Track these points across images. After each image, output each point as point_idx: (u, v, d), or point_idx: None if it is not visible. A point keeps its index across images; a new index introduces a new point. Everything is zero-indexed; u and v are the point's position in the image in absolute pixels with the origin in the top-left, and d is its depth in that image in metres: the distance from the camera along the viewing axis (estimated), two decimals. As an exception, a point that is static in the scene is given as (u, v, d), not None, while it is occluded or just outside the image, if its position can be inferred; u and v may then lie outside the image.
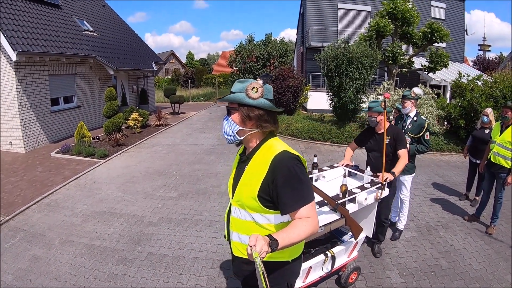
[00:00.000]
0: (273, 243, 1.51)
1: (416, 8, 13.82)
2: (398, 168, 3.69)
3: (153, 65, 18.60)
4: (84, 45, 12.64)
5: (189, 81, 32.34)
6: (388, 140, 3.85)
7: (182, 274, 3.85)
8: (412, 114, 4.62)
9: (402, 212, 4.74)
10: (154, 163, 8.48)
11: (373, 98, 11.56)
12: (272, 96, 1.89)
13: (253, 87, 1.80)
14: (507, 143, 4.75)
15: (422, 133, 4.45)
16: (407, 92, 4.68)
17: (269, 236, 1.55)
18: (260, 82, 1.85)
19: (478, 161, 5.91)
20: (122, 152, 9.52)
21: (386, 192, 3.53)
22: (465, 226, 5.23)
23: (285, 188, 1.72)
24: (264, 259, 1.45)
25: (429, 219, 5.46)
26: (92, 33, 14.37)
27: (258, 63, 14.76)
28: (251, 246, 1.44)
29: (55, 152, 9.23)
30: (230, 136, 1.88)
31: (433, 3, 22.40)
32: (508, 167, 4.75)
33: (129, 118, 12.29)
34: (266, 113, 1.85)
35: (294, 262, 1.96)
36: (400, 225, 4.79)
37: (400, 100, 4.84)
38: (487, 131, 5.69)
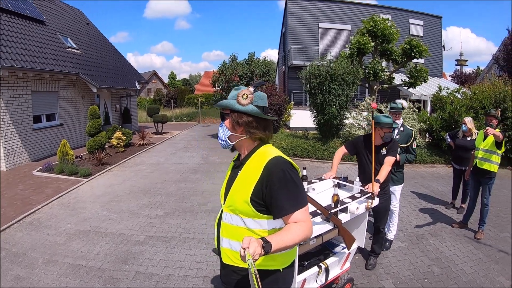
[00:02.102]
0: (266, 246, 1.50)
1: (395, 25, 14.39)
2: (382, 174, 3.74)
3: (136, 84, 18.57)
4: (67, 62, 12.53)
5: (171, 101, 32.32)
6: (385, 151, 3.96)
7: (172, 292, 3.75)
8: (399, 125, 4.74)
9: (391, 223, 4.82)
10: (139, 182, 8.35)
11: (355, 114, 11.83)
12: (264, 103, 1.91)
13: (243, 94, 1.84)
14: (491, 145, 5.00)
15: (410, 142, 4.60)
16: (394, 105, 4.84)
17: (263, 238, 1.54)
18: (251, 89, 1.88)
19: (462, 168, 6.17)
20: (105, 171, 9.35)
21: (376, 201, 3.59)
22: (454, 233, 5.39)
23: (280, 191, 1.72)
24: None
25: (418, 228, 5.59)
26: (76, 51, 14.28)
27: (241, 82, 14.87)
28: (244, 249, 1.42)
29: (37, 171, 8.99)
30: (223, 141, 1.93)
31: (411, 20, 23.32)
32: (494, 171, 5.02)
33: (112, 137, 12.15)
34: (255, 120, 1.86)
35: (285, 271, 1.93)
36: (390, 235, 4.86)
37: (389, 112, 4.95)
38: (468, 138, 6.01)
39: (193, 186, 8.01)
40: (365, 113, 11.71)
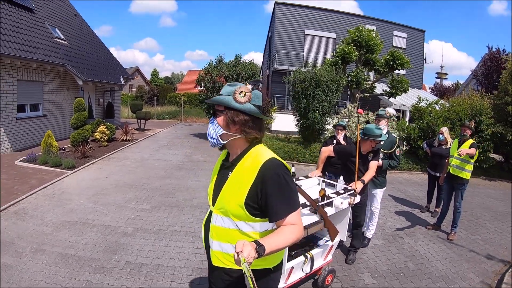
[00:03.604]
0: (260, 249, 1.50)
1: (379, 36, 14.81)
2: (367, 177, 4.10)
3: (121, 79, 18.42)
4: (54, 52, 12.37)
5: (154, 98, 32.09)
6: (371, 157, 4.24)
7: (163, 281, 3.85)
8: (384, 132, 4.99)
9: (371, 223, 5.12)
10: (124, 177, 8.36)
11: (337, 120, 12.14)
12: (260, 103, 1.86)
13: (241, 91, 1.77)
14: (464, 155, 5.35)
15: (393, 149, 4.85)
16: (382, 112, 5.10)
17: (256, 241, 1.53)
18: (249, 87, 1.82)
19: (437, 174, 6.59)
20: (89, 164, 9.29)
21: (358, 198, 3.88)
22: (428, 234, 5.82)
23: (276, 196, 1.70)
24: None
25: (394, 228, 5.98)
26: (63, 42, 14.09)
27: (227, 83, 14.98)
28: (237, 252, 1.42)
29: (20, 161, 8.85)
30: (214, 139, 1.85)
31: (395, 32, 24.01)
32: (466, 178, 5.44)
33: (96, 131, 12.03)
34: (252, 119, 1.80)
35: (275, 269, 1.92)
36: (369, 234, 5.16)
37: (374, 119, 5.22)
38: (444, 147, 6.46)
39: (178, 183, 8.09)
40: (346, 120, 12.05)
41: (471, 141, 5.55)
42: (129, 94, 40.04)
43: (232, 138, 1.83)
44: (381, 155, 4.83)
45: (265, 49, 30.54)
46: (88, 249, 4.54)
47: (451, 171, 5.64)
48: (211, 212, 1.92)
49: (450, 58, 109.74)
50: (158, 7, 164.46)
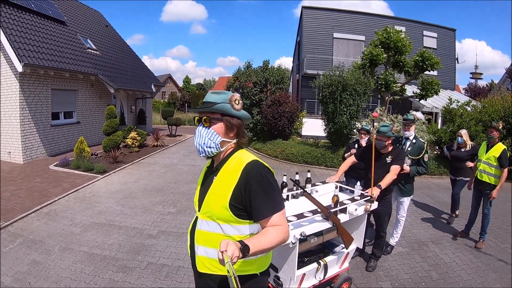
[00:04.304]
0: (244, 249, 1.49)
1: (408, 37, 14.43)
2: (385, 181, 3.82)
3: (152, 86, 18.92)
4: (87, 62, 12.94)
5: (186, 104, 32.72)
6: (390, 159, 4.04)
7: (182, 282, 3.92)
8: (411, 137, 4.83)
9: (396, 230, 4.93)
10: (152, 181, 8.57)
11: (365, 124, 11.91)
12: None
13: (235, 99, 1.85)
14: (491, 158, 5.11)
15: (421, 155, 4.64)
16: (410, 116, 4.88)
17: (240, 241, 1.53)
18: (238, 94, 1.90)
19: (457, 178, 6.30)
20: (120, 169, 9.60)
21: (375, 205, 3.70)
22: (455, 242, 5.50)
23: (259, 194, 1.72)
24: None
25: (420, 236, 5.71)
26: (95, 52, 14.72)
27: (255, 89, 15.08)
28: (222, 252, 1.41)
29: (54, 165, 9.30)
30: (211, 148, 1.84)
31: (425, 32, 23.34)
32: (492, 183, 5.09)
33: (127, 137, 12.44)
34: (242, 125, 1.91)
35: (261, 275, 1.92)
36: (393, 241, 4.96)
37: (402, 123, 5.04)
38: (463, 149, 6.19)
39: (204, 187, 8.17)
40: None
41: (501, 145, 5.19)
42: (162, 101, 41.09)
43: (229, 144, 1.89)
44: (408, 161, 4.67)
45: (294, 53, 30.50)
46: (114, 249, 4.70)
47: (478, 176, 5.33)
48: (196, 218, 1.94)
49: (485, 57, 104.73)
50: (188, 15, 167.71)
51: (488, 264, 4.70)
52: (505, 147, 5.16)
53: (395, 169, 3.97)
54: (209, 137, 1.84)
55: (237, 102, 1.85)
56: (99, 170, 8.88)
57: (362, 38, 22.31)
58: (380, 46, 13.93)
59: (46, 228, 5.37)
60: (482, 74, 36.24)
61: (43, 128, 10.76)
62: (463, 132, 6.25)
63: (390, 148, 4.14)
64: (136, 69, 18.72)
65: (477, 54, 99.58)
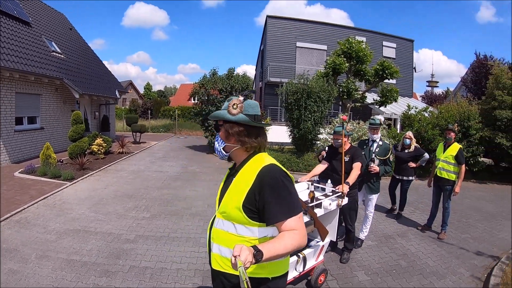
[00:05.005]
0: (257, 254, 1.49)
1: (369, 47, 15.20)
2: (351, 178, 4.29)
3: (116, 92, 18.60)
4: (51, 66, 12.57)
5: (149, 111, 32.27)
6: (348, 158, 4.46)
7: (167, 283, 4.00)
8: (377, 139, 5.26)
9: (365, 225, 5.34)
10: (122, 187, 8.49)
11: (329, 130, 12.43)
12: (255, 112, 1.91)
13: (233, 104, 1.86)
14: (449, 157, 5.76)
15: (388, 156, 5.10)
16: (375, 120, 5.34)
17: (254, 247, 1.52)
18: (241, 98, 1.90)
19: (400, 177, 6.90)
20: (88, 176, 9.41)
21: (345, 200, 4.12)
22: (419, 234, 6.09)
23: (273, 198, 1.72)
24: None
25: (386, 230, 6.24)
26: (59, 55, 14.31)
27: (221, 96, 15.24)
28: (235, 256, 1.42)
29: (19, 172, 8.97)
30: (219, 152, 1.98)
31: (384, 43, 24.53)
32: (452, 179, 5.73)
33: (93, 144, 12.17)
34: (246, 129, 1.87)
35: (275, 280, 1.89)
36: (362, 236, 5.37)
37: (369, 128, 5.47)
38: (406, 151, 6.80)
39: (176, 192, 8.23)
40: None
41: (456, 145, 5.84)
42: (123, 107, 40.21)
43: (233, 149, 1.93)
44: (376, 161, 5.14)
45: (257, 62, 30.98)
46: (93, 255, 4.67)
47: (437, 174, 5.95)
48: (214, 217, 1.99)
49: (440, 66, 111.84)
50: (150, 20, 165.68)
51: (451, 252, 5.28)
52: (460, 146, 5.85)
53: (358, 166, 4.42)
54: (217, 142, 1.98)
55: (234, 106, 1.86)
56: (66, 177, 8.67)
57: (324, 47, 23.12)
58: (342, 56, 14.59)
59: (19, 236, 5.22)
60: (438, 82, 38.50)
61: (7, 133, 10.33)
62: (410, 134, 6.88)
63: (347, 146, 4.54)
64: (100, 74, 18.35)
65: (433, 63, 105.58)
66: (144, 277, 4.12)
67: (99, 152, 12.18)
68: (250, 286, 1.34)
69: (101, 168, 10.53)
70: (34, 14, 14.84)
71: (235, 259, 1.42)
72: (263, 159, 1.87)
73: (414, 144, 6.86)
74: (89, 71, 16.66)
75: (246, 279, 1.35)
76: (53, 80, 12.34)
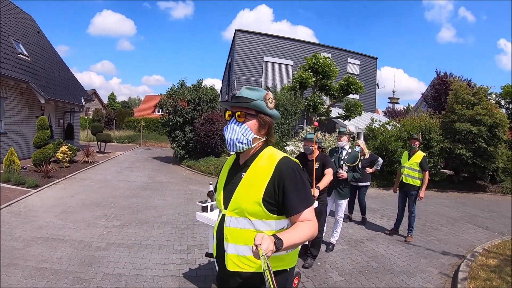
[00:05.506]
0: (278, 242, 1.49)
1: (334, 63, 15.75)
2: (323, 183, 4.51)
3: (82, 100, 18.14)
4: (18, 68, 12.17)
5: (113, 122, 31.62)
6: (318, 165, 4.67)
7: (144, 289, 3.97)
8: (347, 147, 5.51)
9: (336, 230, 5.54)
10: (90, 196, 8.30)
11: (295, 141, 12.74)
12: None
13: (269, 98, 1.85)
14: (414, 164, 6.13)
15: (356, 163, 5.32)
16: (343, 129, 5.60)
17: (274, 235, 1.53)
18: (271, 93, 1.89)
19: (356, 184, 7.12)
20: (53, 183, 9.12)
21: (316, 204, 4.31)
22: (387, 238, 6.42)
23: (293, 190, 1.73)
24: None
25: (355, 235, 6.52)
26: (26, 58, 13.86)
27: (189, 107, 15.26)
28: (256, 245, 1.41)
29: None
30: (243, 144, 1.81)
31: (349, 59, 25.39)
32: (417, 185, 6.09)
33: (58, 151, 11.78)
34: (273, 124, 1.91)
35: (291, 270, 1.92)
36: (333, 240, 5.56)
37: (337, 136, 5.73)
38: (362, 158, 6.90)
39: (145, 201, 8.15)
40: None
41: (420, 153, 6.24)
42: (86, 117, 39.15)
43: (259, 141, 1.87)
44: (345, 168, 5.36)
45: (224, 75, 31.21)
46: (63, 263, 4.54)
47: (403, 180, 6.29)
48: (223, 217, 1.86)
49: (402, 83, 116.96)
50: (117, 30, 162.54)
51: (419, 253, 5.64)
52: (425, 154, 6.26)
53: (330, 172, 4.65)
54: (243, 133, 1.81)
55: (270, 100, 1.85)
56: (31, 184, 8.35)
57: (291, 62, 23.57)
58: (309, 71, 15.03)
59: (-18, 244, 5.00)
60: (399, 99, 40.26)
61: (-33, 137, 9.79)
62: (360, 142, 7.28)
63: (316, 153, 4.74)
64: (66, 80, 17.87)
65: (395, 80, 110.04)
66: (119, 283, 4.06)
67: (64, 160, 11.80)
68: (272, 275, 1.31)
69: (67, 177, 10.23)
70: (3, 14, 14.30)
71: (256, 248, 1.41)
72: (274, 153, 1.86)
73: (367, 151, 7.23)
74: (55, 77, 16.18)
75: (268, 267, 1.33)
76: (19, 83, 11.94)
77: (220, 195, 1.93)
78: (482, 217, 8.56)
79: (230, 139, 1.81)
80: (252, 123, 1.83)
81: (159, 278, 4.25)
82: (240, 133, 1.80)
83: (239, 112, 1.83)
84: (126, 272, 4.36)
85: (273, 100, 1.88)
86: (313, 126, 4.82)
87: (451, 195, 11.57)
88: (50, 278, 4.10)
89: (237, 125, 1.82)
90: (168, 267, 4.57)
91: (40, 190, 8.32)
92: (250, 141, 1.81)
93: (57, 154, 11.66)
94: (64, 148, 11.93)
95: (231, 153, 1.88)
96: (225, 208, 1.85)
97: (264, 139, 1.89)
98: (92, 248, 5.09)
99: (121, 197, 8.44)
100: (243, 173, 1.83)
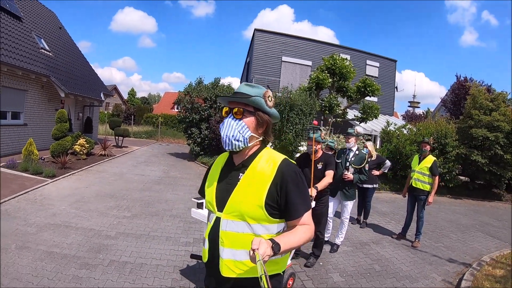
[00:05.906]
0: (275, 247, 1.47)
1: (352, 65, 15.63)
2: (322, 184, 4.49)
3: (102, 95, 18.53)
4: (39, 62, 12.52)
5: (132, 117, 32.13)
6: (321, 165, 4.67)
7: (147, 277, 4.07)
8: (354, 149, 5.50)
9: (341, 231, 5.53)
10: (104, 188, 8.50)
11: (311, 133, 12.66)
12: None
13: (269, 96, 1.78)
14: (424, 169, 6.03)
15: (363, 165, 5.31)
16: (351, 130, 5.59)
17: (271, 240, 1.50)
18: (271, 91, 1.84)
19: (364, 186, 7.06)
20: (69, 174, 9.38)
21: (312, 204, 4.24)
22: (394, 242, 6.32)
23: (296, 193, 1.68)
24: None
25: (362, 238, 6.45)
26: (48, 53, 14.26)
27: (206, 104, 15.40)
28: (253, 250, 1.39)
29: (0, 166, 8.87)
30: (239, 141, 1.72)
31: (368, 61, 25.15)
32: (426, 190, 5.99)
33: (76, 144, 12.10)
34: (271, 123, 1.83)
35: (283, 274, 1.89)
36: (338, 241, 5.55)
37: (345, 137, 5.73)
38: (369, 159, 6.87)
39: (157, 195, 8.30)
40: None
41: (431, 157, 6.14)
42: (106, 112, 39.90)
43: (257, 140, 1.80)
44: (351, 169, 5.34)
45: (242, 74, 31.29)
46: (73, 249, 4.71)
47: (413, 184, 6.21)
48: (218, 220, 1.75)
49: (423, 87, 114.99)
50: (138, 27, 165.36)
51: (424, 259, 5.55)
52: (435, 158, 6.13)
53: (330, 174, 4.63)
54: (239, 130, 1.72)
55: (270, 98, 1.78)
56: (48, 174, 8.63)
57: (309, 63, 23.54)
58: (326, 71, 14.97)
59: (-2, 227, 5.22)
60: (419, 103, 39.52)
61: (-9, 126, 10.18)
62: (369, 143, 7.22)
63: (319, 153, 4.76)
64: (86, 75, 18.26)
65: (416, 84, 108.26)
66: (124, 271, 4.19)
67: (81, 152, 12.10)
68: (268, 280, 1.31)
69: (83, 168, 10.50)
70: (26, 10, 14.77)
71: (253, 252, 1.39)
72: (274, 154, 1.79)
73: (374, 153, 7.17)
74: (75, 72, 16.59)
75: (264, 272, 1.31)
76: (40, 77, 12.29)
77: (211, 196, 1.83)
78: (494, 226, 8.34)
79: (226, 135, 1.72)
80: (250, 120, 1.74)
81: (163, 268, 4.36)
82: (236, 130, 1.71)
83: (237, 109, 1.75)
84: (132, 261, 4.49)
85: (273, 99, 1.81)
86: (312, 124, 4.82)
87: (465, 202, 11.35)
88: (59, 262, 4.27)
89: (234, 121, 1.74)
90: (172, 258, 4.68)
91: (56, 180, 8.58)
92: (247, 139, 1.73)
93: (75, 146, 11.97)
94: (82, 141, 12.24)
95: (226, 149, 1.78)
96: (220, 210, 1.75)
97: (261, 138, 1.81)
98: (101, 236, 5.25)
99: (135, 190, 8.62)
100: (241, 174, 1.74)
